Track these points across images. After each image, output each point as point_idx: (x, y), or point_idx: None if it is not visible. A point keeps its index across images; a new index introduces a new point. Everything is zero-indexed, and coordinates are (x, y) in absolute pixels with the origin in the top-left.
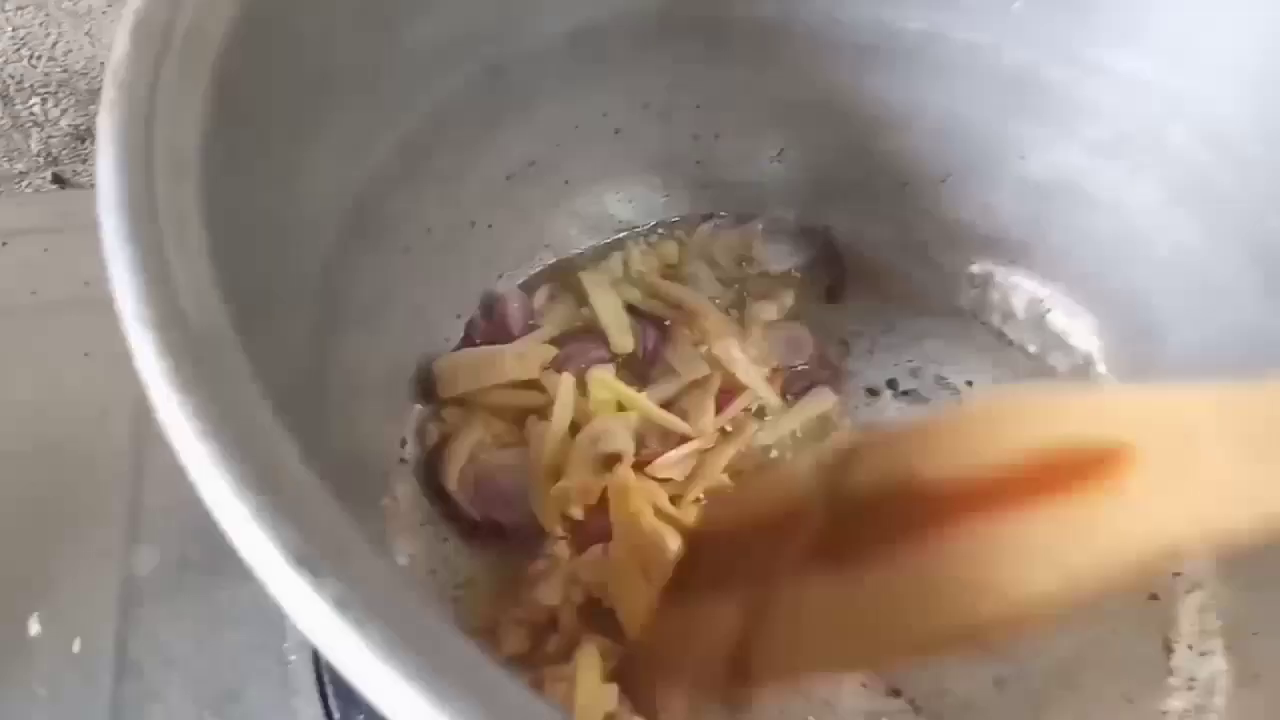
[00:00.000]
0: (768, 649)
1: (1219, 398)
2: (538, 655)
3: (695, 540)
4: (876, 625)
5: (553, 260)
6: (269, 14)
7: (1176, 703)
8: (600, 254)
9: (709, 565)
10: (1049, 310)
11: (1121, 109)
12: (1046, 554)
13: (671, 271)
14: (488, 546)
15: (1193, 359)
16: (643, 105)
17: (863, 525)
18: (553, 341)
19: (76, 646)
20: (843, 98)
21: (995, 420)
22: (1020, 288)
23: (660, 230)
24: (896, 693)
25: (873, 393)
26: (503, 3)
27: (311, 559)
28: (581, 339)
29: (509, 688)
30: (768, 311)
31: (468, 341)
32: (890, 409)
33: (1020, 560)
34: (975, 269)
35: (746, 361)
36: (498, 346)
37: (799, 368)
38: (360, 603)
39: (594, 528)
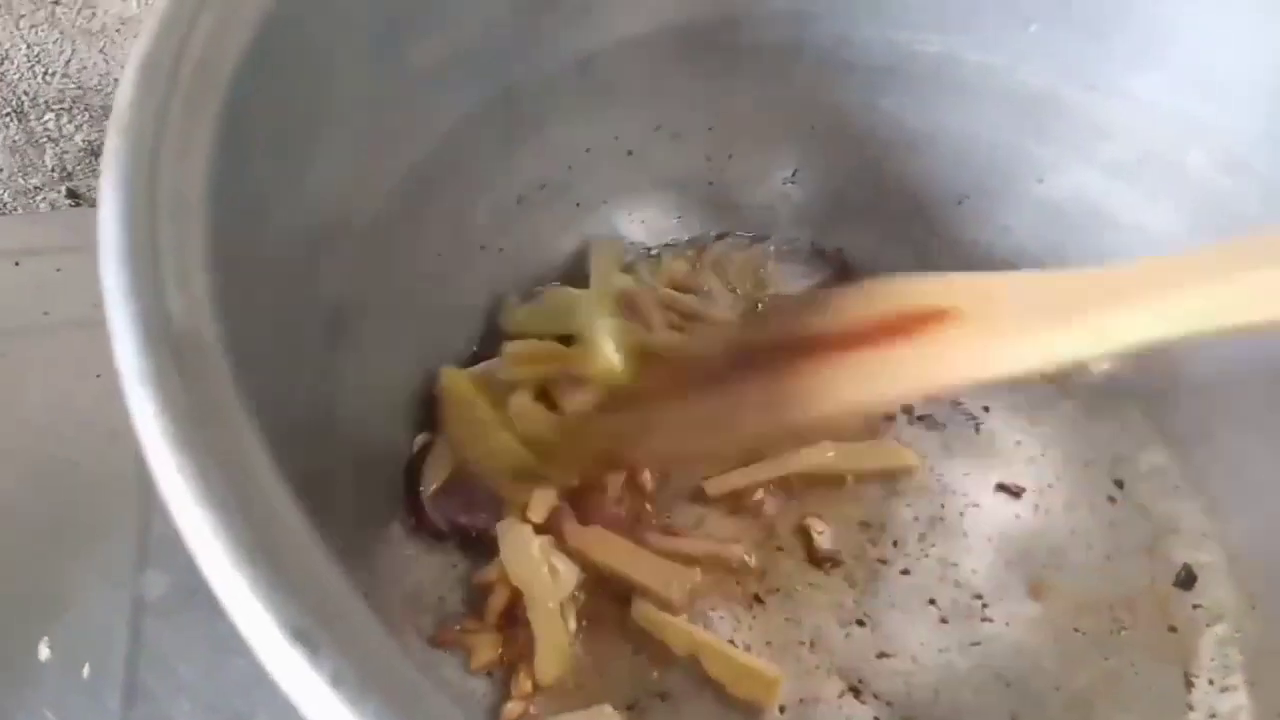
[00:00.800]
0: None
1: (1018, 279)
2: (510, 655)
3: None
4: (743, 420)
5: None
6: (276, 48)
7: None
8: None
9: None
10: None
11: (1140, 132)
12: (883, 375)
13: (684, 284)
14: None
15: (1209, 387)
16: (655, 127)
17: (755, 358)
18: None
19: (86, 671)
20: (857, 119)
21: (868, 293)
22: None
23: (673, 251)
24: None
25: (887, 418)
26: (514, 27)
27: (308, 633)
28: None
29: None
30: None
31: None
32: (905, 434)
33: (859, 379)
34: None
35: None
36: (497, 359)
37: None
38: (356, 678)
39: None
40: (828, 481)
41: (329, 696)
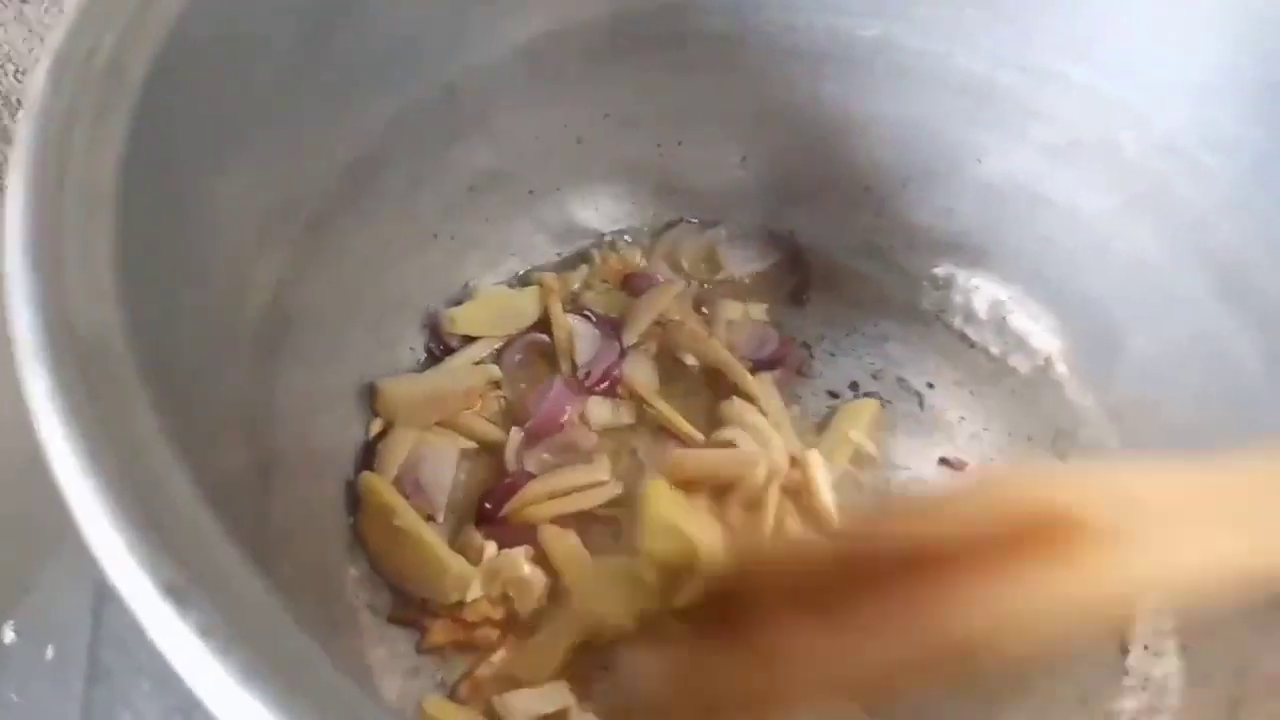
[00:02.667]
0: (760, 684)
1: (1161, 475)
2: (466, 642)
3: (711, 590)
4: (858, 663)
5: (521, 270)
6: (195, 46)
7: (1130, 703)
8: (567, 262)
9: (718, 614)
10: (1010, 312)
11: (1073, 116)
12: (1006, 612)
13: (637, 270)
14: None
15: (1149, 363)
16: (604, 115)
17: (861, 583)
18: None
19: (50, 654)
20: (802, 104)
21: (985, 496)
22: (982, 290)
23: (627, 237)
24: None
25: (834, 395)
26: (451, 19)
27: (179, 589)
28: (523, 340)
29: (371, 712)
30: (732, 310)
31: (431, 356)
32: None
33: (984, 616)
34: (938, 271)
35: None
36: (439, 375)
37: (766, 359)
38: (225, 630)
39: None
40: None
41: (197, 647)
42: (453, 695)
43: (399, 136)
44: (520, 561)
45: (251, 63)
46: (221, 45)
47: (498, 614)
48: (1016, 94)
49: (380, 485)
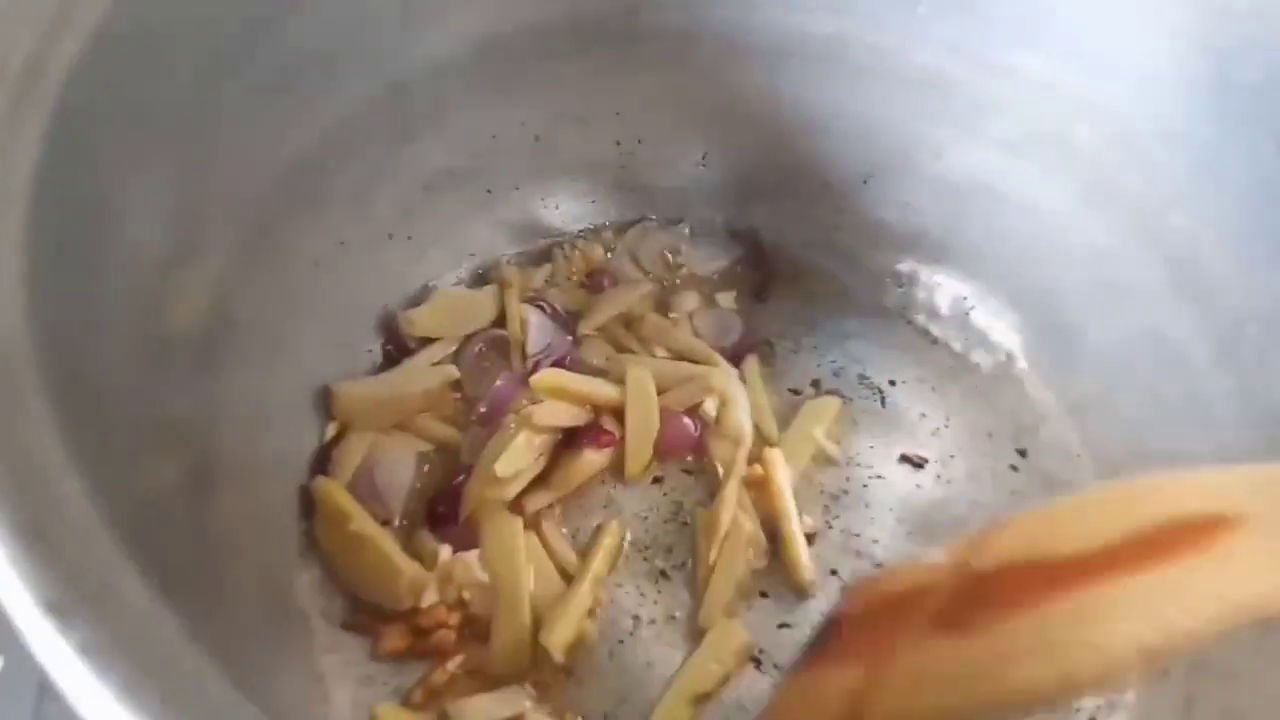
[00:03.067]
0: (882, 709)
1: None
2: (421, 648)
3: (836, 619)
4: (987, 681)
5: (481, 270)
6: (118, 44)
7: (1088, 699)
8: (529, 259)
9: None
10: (972, 308)
11: (1028, 109)
12: (1147, 614)
13: (599, 269)
14: None
15: (1107, 358)
16: (561, 113)
17: (985, 597)
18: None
19: (0, 665)
20: (759, 102)
21: (1113, 501)
22: (943, 286)
23: (589, 235)
24: None
25: (795, 392)
26: (400, 16)
27: (61, 605)
28: (481, 337)
29: None
30: (689, 301)
31: (389, 358)
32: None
33: (1123, 620)
34: (900, 268)
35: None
36: (395, 377)
37: (732, 346)
38: (107, 648)
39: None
40: None
41: (76, 665)
42: (407, 702)
43: (347, 135)
44: (475, 565)
45: (178, 62)
46: (146, 44)
47: (454, 619)
48: (973, 88)
49: (334, 490)
